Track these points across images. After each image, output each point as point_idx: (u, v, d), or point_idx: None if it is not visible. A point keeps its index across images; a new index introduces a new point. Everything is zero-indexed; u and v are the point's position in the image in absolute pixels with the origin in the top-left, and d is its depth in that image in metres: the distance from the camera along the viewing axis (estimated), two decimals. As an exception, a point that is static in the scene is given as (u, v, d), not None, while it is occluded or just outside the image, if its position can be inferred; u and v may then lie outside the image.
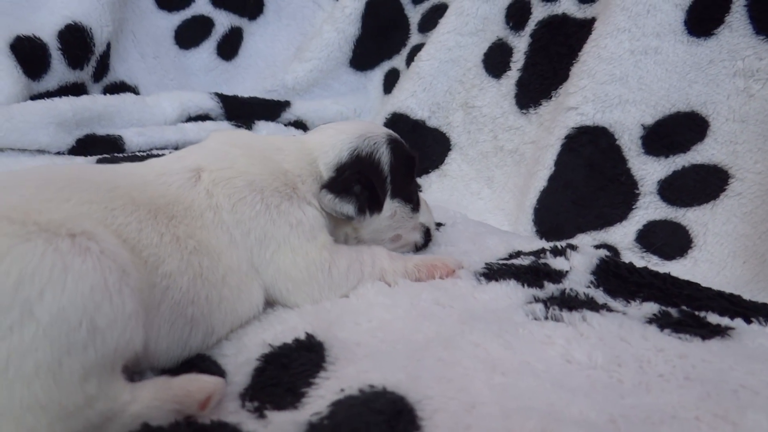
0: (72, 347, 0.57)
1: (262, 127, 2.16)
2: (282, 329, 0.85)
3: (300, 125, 2.32)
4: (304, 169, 1.00)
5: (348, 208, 0.98)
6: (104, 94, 2.06)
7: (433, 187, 1.98)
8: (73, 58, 1.95)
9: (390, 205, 1.07)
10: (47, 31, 1.90)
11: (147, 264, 0.73)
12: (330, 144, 1.03)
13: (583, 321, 0.82)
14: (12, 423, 0.54)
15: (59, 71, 1.92)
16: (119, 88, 2.18)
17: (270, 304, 0.93)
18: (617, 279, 1.03)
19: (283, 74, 2.44)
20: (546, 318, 0.84)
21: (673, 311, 0.89)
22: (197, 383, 0.69)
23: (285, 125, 2.27)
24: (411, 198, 1.11)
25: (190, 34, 2.44)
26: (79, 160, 1.64)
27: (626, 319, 0.84)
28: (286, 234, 0.91)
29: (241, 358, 0.79)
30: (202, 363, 0.79)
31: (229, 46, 2.52)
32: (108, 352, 0.60)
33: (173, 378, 0.69)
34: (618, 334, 0.79)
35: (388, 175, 1.05)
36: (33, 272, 0.57)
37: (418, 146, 2.07)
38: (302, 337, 0.80)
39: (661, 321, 0.84)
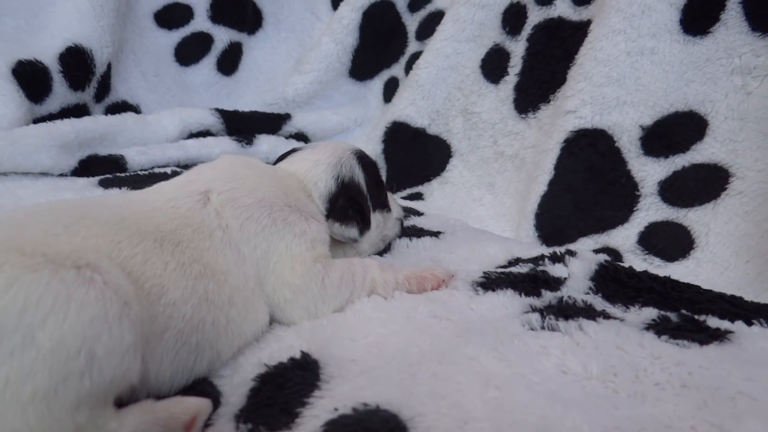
0: (69, 375, 0.58)
1: (263, 140, 2.16)
2: (278, 348, 0.85)
3: (301, 137, 2.33)
4: (307, 194, 1.07)
5: (353, 232, 1.09)
6: (106, 114, 2.08)
7: (435, 194, 1.98)
8: (74, 80, 1.97)
9: (374, 218, 1.16)
10: (48, 54, 1.92)
11: (150, 294, 0.73)
12: (316, 175, 1.09)
13: (580, 330, 0.81)
14: None
15: (61, 94, 1.94)
16: (121, 107, 2.20)
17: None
18: (616, 284, 1.02)
19: (283, 87, 2.45)
20: (542, 328, 0.84)
21: (673, 316, 0.89)
22: (181, 405, 0.69)
23: (286, 138, 2.28)
24: (385, 203, 1.22)
25: (190, 51, 2.46)
26: (82, 181, 1.65)
27: (623, 326, 0.83)
28: (289, 242, 0.94)
29: (237, 379, 0.79)
30: (198, 385, 0.79)
31: (229, 61, 2.53)
32: (103, 382, 0.61)
33: (158, 401, 0.70)
34: (614, 342, 0.78)
35: (367, 193, 1.14)
36: (38, 300, 0.58)
37: (419, 154, 2.07)
38: (297, 355, 0.80)
39: (659, 327, 0.84)
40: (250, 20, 2.59)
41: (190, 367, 0.78)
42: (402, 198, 1.97)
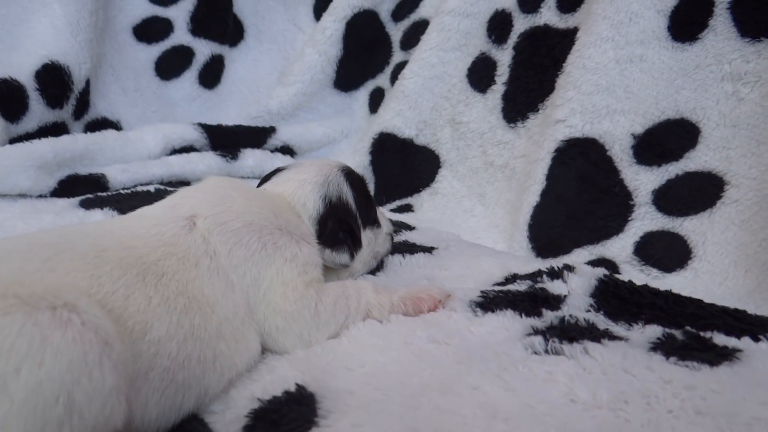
0: (47, 425, 0.54)
1: (249, 155, 2.12)
2: (271, 379, 0.81)
3: (287, 150, 2.29)
4: (296, 216, 1.03)
5: (344, 257, 1.05)
6: (86, 131, 2.02)
7: (425, 206, 1.95)
8: (51, 98, 1.92)
9: (365, 236, 1.13)
10: (24, 72, 1.87)
11: (133, 332, 0.69)
12: (303, 196, 1.05)
13: (585, 353, 0.79)
14: None
15: (38, 112, 1.89)
16: (101, 124, 2.15)
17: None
18: (617, 300, 0.99)
19: (267, 99, 2.41)
20: (546, 352, 0.81)
21: (678, 333, 0.86)
22: None
23: (272, 151, 2.24)
24: (375, 219, 1.19)
25: (171, 65, 2.41)
26: (62, 202, 1.60)
27: (629, 348, 0.80)
28: (280, 267, 0.90)
29: (229, 415, 0.75)
30: (188, 424, 0.75)
31: (211, 75, 2.49)
32: (85, 430, 0.57)
33: None
34: (622, 366, 0.76)
35: (356, 211, 1.10)
36: (10, 347, 0.54)
37: (407, 165, 2.05)
38: (292, 388, 0.76)
39: (665, 347, 0.81)
40: (231, 32, 2.55)
41: (178, 405, 0.74)
42: (391, 210, 1.94)
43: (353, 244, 1.08)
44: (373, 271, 1.21)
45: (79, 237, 0.79)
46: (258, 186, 1.15)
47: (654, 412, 0.67)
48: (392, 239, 1.29)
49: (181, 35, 2.42)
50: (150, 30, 2.38)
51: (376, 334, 0.89)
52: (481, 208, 1.81)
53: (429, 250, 1.31)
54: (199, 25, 2.44)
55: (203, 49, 2.46)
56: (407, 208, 1.97)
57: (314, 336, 0.90)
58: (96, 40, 2.11)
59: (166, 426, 0.73)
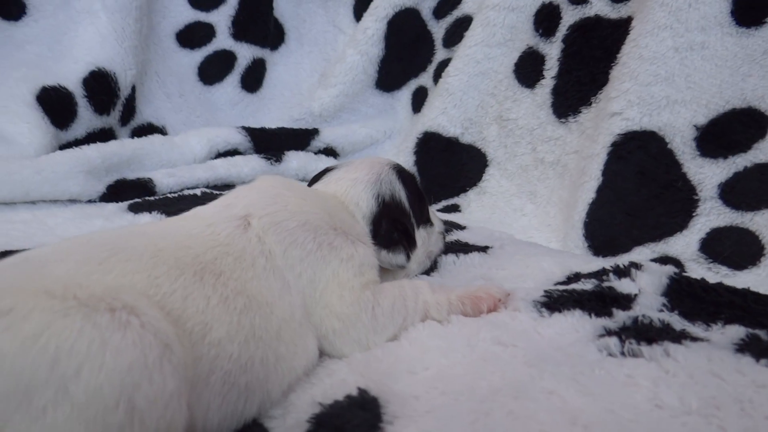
0: (108, 430, 0.52)
1: (292, 157, 2.11)
2: (331, 383, 0.78)
3: (330, 152, 2.27)
4: (349, 217, 1.00)
5: (400, 258, 1.02)
6: (132, 137, 2.05)
7: (472, 205, 1.90)
8: (99, 104, 1.94)
9: (419, 235, 1.10)
10: (72, 79, 1.90)
11: (192, 334, 0.67)
12: (356, 195, 1.03)
13: (667, 356, 0.73)
14: None
15: (86, 118, 1.91)
16: (147, 130, 2.17)
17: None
18: (692, 299, 0.93)
19: (309, 102, 2.40)
20: (622, 354, 0.76)
21: (762, 333, 0.80)
22: None
23: (315, 153, 2.22)
24: (428, 218, 1.15)
25: (214, 70, 2.43)
26: (111, 206, 1.61)
27: (714, 349, 0.75)
28: (336, 268, 0.88)
29: (290, 420, 0.72)
30: (249, 429, 0.72)
31: (253, 78, 2.49)
32: None
33: None
34: (708, 369, 0.70)
35: (409, 210, 1.07)
36: (70, 349, 0.52)
37: (453, 164, 2.00)
38: (354, 393, 0.73)
39: (753, 348, 0.75)
40: (272, 36, 2.55)
41: (240, 410, 0.71)
42: (438, 210, 1.89)
43: (408, 244, 1.05)
44: (427, 272, 1.18)
45: (134, 237, 0.78)
46: (309, 185, 1.12)
47: (750, 418, 0.61)
48: (444, 238, 1.25)
49: (223, 40, 2.43)
50: (193, 35, 2.39)
51: (438, 336, 0.85)
52: (531, 206, 1.75)
53: (483, 249, 1.27)
54: (241, 29, 2.44)
55: (245, 53, 2.46)
56: (454, 209, 1.92)
57: (372, 340, 0.87)
58: (141, 47, 2.13)
59: None
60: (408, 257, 1.04)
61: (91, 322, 0.55)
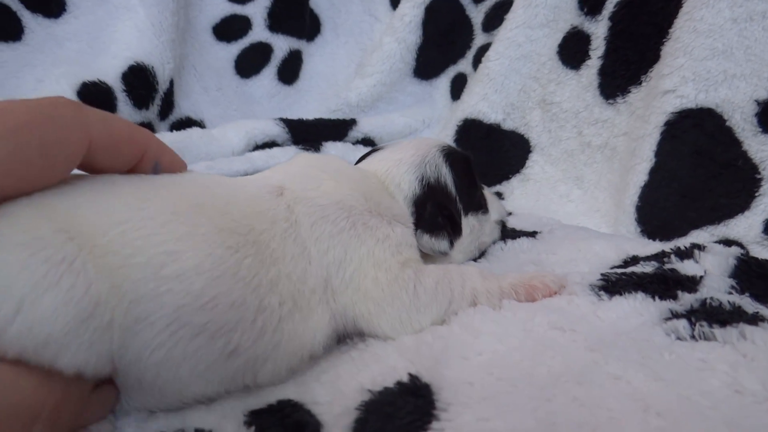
0: None
1: (330, 147, 2.08)
2: (379, 370, 0.74)
3: (368, 142, 2.24)
4: (388, 199, 0.95)
5: (443, 244, 0.97)
6: (171, 131, 2.04)
7: (515, 193, 1.84)
8: (138, 99, 1.94)
9: (466, 223, 1.05)
10: (111, 74, 1.90)
11: (140, 267, 0.61)
12: (398, 176, 0.99)
13: (743, 338, 0.67)
14: None
15: (126, 113, 1.92)
16: (185, 123, 2.17)
17: (361, 338, 0.83)
18: (763, 280, 0.86)
19: (346, 92, 2.37)
20: (693, 337, 0.70)
21: None
22: None
23: (353, 143, 2.19)
24: (480, 204, 1.10)
25: (250, 63, 2.41)
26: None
27: (796, 331, 0.68)
28: (371, 247, 0.83)
29: (337, 408, 0.69)
30: (295, 413, 0.69)
31: (290, 70, 2.47)
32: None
33: None
34: (791, 352, 0.64)
35: (456, 195, 1.02)
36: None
37: (495, 151, 1.94)
38: (405, 379, 0.69)
39: (837, 330, 0.69)
40: (308, 27, 2.52)
41: (211, 363, 0.65)
42: (480, 199, 1.84)
43: (453, 231, 1.00)
44: (473, 258, 1.13)
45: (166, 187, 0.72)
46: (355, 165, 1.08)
47: None
48: (504, 228, 1.19)
49: (259, 32, 2.41)
50: (229, 29, 2.38)
51: (491, 320, 0.80)
52: (578, 192, 1.69)
53: (532, 234, 1.22)
54: (277, 21, 2.43)
55: (281, 45, 2.44)
56: (497, 196, 1.87)
57: (416, 318, 0.82)
58: (178, 41, 2.13)
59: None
60: (451, 244, 0.99)
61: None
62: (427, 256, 0.98)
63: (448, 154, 1.04)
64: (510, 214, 1.42)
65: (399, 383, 0.69)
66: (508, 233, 1.23)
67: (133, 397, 0.65)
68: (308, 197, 0.83)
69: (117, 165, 0.70)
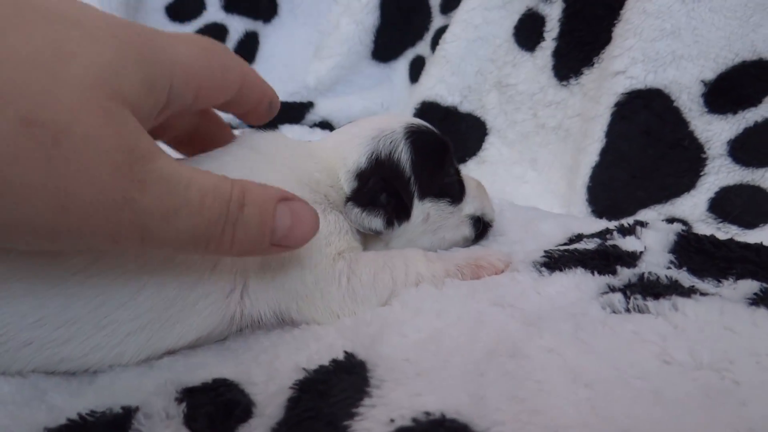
0: None
1: (287, 130, 2.06)
2: (317, 348, 0.73)
3: (326, 125, 2.21)
4: (332, 177, 0.90)
5: (376, 222, 0.88)
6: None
7: (472, 175, 1.84)
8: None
9: (420, 209, 0.95)
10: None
11: None
12: (346, 151, 0.92)
13: (675, 310, 0.68)
14: None
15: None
16: (137, 106, 2.11)
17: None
18: (701, 255, 0.88)
19: (303, 75, 2.33)
20: (628, 310, 0.71)
21: (777, 287, 0.75)
22: None
23: (310, 127, 2.17)
24: (446, 192, 0.99)
25: (206, 44, 2.36)
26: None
27: (726, 303, 0.69)
28: None
29: (272, 387, 0.68)
30: (228, 392, 0.67)
31: (246, 52, 2.42)
32: None
33: None
34: (720, 322, 0.65)
35: (410, 175, 0.93)
36: None
37: (452, 134, 1.93)
38: (341, 357, 0.68)
39: (767, 301, 0.70)
40: (264, 8, 2.47)
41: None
42: (437, 181, 1.84)
43: (399, 215, 0.92)
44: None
45: None
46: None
47: (767, 371, 0.57)
48: (479, 223, 1.07)
49: (213, 12, 2.36)
50: (183, 8, 2.33)
51: (432, 298, 0.80)
52: (533, 173, 1.69)
53: (482, 216, 1.21)
54: (232, 1, 2.38)
55: (237, 26, 2.39)
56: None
57: (348, 310, 0.81)
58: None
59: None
60: (388, 224, 0.90)
61: None
62: (370, 241, 0.95)
63: (413, 132, 0.95)
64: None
65: (334, 361, 0.68)
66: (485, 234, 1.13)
67: None
68: None
69: (244, 108, 0.82)
